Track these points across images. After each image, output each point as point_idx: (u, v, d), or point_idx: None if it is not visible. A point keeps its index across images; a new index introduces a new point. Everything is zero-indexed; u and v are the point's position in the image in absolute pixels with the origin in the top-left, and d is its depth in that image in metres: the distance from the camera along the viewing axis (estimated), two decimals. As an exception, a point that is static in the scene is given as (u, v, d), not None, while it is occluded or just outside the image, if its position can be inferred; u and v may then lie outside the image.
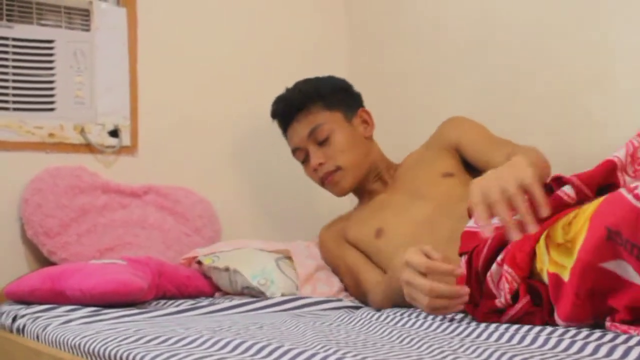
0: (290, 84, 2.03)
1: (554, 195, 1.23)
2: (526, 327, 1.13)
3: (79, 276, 1.67)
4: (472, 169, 1.79)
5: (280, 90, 2.03)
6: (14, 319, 1.61)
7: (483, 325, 1.19)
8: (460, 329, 1.20)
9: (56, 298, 1.68)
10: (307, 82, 2.00)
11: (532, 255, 1.17)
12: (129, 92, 2.22)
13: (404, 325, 1.32)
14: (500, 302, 1.22)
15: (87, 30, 2.17)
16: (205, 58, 2.38)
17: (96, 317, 1.52)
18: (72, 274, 1.69)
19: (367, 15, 2.56)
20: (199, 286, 1.93)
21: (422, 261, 1.26)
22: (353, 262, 1.83)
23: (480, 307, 1.26)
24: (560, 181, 1.27)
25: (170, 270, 1.90)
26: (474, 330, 1.18)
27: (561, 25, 1.92)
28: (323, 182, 1.93)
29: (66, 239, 2.00)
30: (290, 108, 1.95)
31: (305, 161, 1.96)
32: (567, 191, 1.23)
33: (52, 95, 2.11)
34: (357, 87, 2.04)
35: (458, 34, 2.22)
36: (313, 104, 1.92)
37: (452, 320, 1.27)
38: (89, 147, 2.15)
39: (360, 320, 1.41)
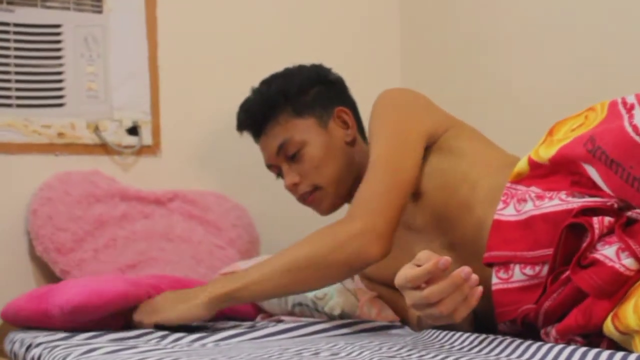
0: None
1: (608, 269, 1.12)
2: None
3: (62, 291, 1.62)
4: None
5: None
6: (28, 348, 1.55)
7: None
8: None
9: (41, 319, 1.62)
10: (272, 81, 1.84)
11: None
12: (149, 83, 2.14)
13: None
14: (621, 265, 1.11)
15: (99, 12, 2.09)
16: (236, 42, 2.30)
17: (122, 345, 1.42)
18: (57, 290, 1.63)
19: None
20: (236, 307, 1.80)
21: (407, 277, 1.20)
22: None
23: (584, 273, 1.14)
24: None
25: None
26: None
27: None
28: (304, 202, 1.80)
29: (81, 255, 1.93)
30: (254, 120, 1.81)
31: (281, 176, 1.82)
32: (627, 265, 1.11)
33: (60, 89, 2.04)
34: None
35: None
36: (280, 111, 1.77)
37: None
38: (104, 148, 2.09)
39: (430, 340, 1.33)
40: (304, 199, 1.79)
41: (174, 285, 1.74)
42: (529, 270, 1.23)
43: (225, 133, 2.22)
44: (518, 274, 1.23)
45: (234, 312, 1.79)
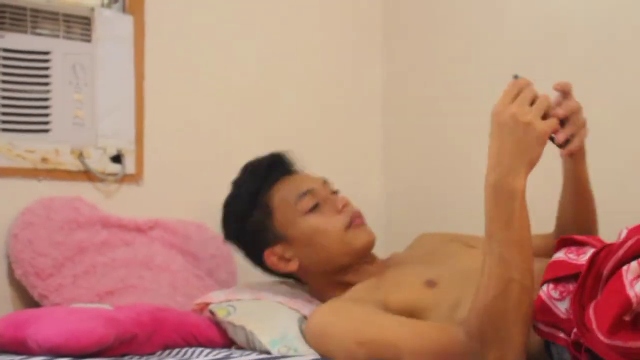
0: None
1: None
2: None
3: (42, 324, 1.61)
4: None
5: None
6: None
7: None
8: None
9: (19, 348, 1.60)
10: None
11: None
12: (134, 112, 2.15)
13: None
14: (634, 292, 1.13)
15: (88, 40, 2.10)
16: (222, 74, 2.32)
17: None
18: (37, 320, 1.63)
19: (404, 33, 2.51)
20: (210, 337, 1.82)
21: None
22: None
23: (599, 304, 1.18)
24: None
25: (176, 318, 1.80)
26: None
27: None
28: (355, 221, 1.78)
29: (60, 280, 1.92)
30: None
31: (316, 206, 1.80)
32: None
33: (46, 115, 2.04)
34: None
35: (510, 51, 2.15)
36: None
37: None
38: (87, 175, 2.09)
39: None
40: (357, 216, 1.78)
41: (154, 316, 1.74)
42: None
43: (208, 164, 2.27)
44: None
45: (209, 343, 1.80)
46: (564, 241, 1.46)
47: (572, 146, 1.44)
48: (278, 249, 1.78)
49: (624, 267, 1.18)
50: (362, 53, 2.59)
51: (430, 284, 1.62)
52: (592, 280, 1.25)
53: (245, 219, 1.79)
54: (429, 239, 1.94)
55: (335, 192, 1.83)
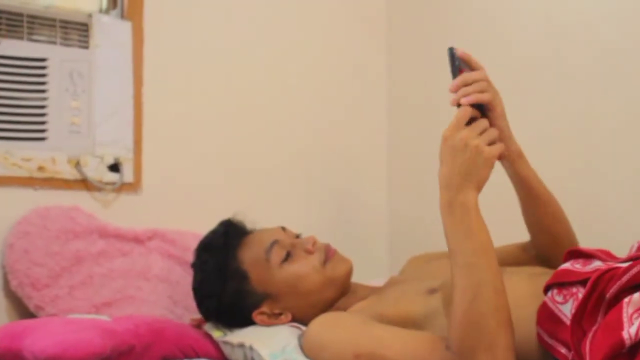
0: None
1: None
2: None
3: (38, 334, 1.59)
4: None
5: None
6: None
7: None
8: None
9: (14, 359, 1.60)
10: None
11: None
12: (132, 120, 2.14)
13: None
14: (628, 334, 1.13)
15: (86, 47, 2.09)
16: (222, 81, 2.31)
17: None
18: (33, 331, 1.61)
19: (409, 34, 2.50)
20: (210, 352, 1.81)
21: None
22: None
23: (596, 338, 1.18)
24: None
25: (174, 330, 1.79)
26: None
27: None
28: (327, 255, 1.78)
29: (56, 291, 1.91)
30: None
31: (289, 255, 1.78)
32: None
33: (43, 123, 2.03)
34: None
35: (518, 53, 2.14)
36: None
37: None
38: (85, 184, 2.07)
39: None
40: (329, 249, 1.79)
41: (152, 328, 1.74)
42: None
43: (207, 173, 2.26)
44: None
45: (208, 357, 1.79)
46: (571, 253, 1.48)
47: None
48: (265, 308, 1.77)
49: (626, 299, 1.19)
50: (366, 58, 2.58)
51: (432, 291, 1.62)
52: (593, 302, 1.26)
53: (221, 294, 1.77)
54: (420, 259, 1.95)
55: (297, 236, 1.83)
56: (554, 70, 2.05)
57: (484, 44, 2.26)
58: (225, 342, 1.78)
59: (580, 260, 1.43)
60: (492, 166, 1.39)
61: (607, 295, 1.24)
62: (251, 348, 1.71)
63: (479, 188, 1.38)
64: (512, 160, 1.60)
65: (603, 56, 1.93)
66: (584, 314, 1.27)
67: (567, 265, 1.43)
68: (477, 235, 1.35)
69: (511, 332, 1.31)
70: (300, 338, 1.70)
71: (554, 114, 2.05)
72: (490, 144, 1.39)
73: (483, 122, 1.41)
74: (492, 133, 1.41)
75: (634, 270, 1.23)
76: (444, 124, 2.15)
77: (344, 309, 1.75)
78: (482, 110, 1.44)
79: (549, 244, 1.67)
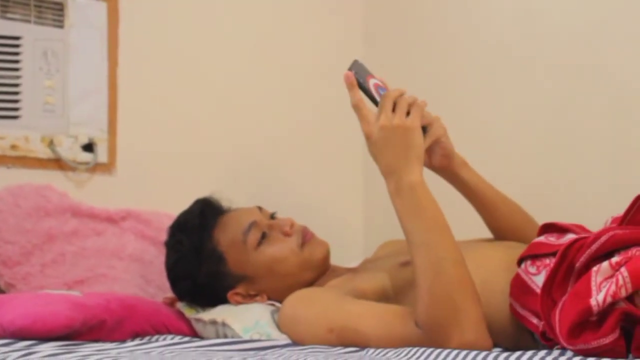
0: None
1: None
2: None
3: (7, 307, 1.60)
4: None
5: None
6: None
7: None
8: None
9: None
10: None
11: None
12: (107, 100, 2.14)
13: None
14: (596, 301, 1.14)
15: (60, 26, 2.09)
16: (199, 62, 2.31)
17: (65, 349, 1.43)
18: (2, 305, 1.62)
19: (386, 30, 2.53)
20: (182, 329, 1.82)
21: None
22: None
23: (565, 307, 1.19)
24: None
25: (147, 307, 1.80)
26: None
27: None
28: (304, 239, 1.79)
29: (28, 269, 1.91)
30: None
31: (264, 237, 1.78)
32: None
33: (16, 101, 2.03)
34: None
35: (493, 43, 2.17)
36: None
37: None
38: (58, 163, 2.08)
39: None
40: (306, 231, 1.79)
41: (124, 304, 1.74)
42: None
43: (183, 154, 2.26)
44: None
45: (181, 334, 1.80)
46: (545, 227, 1.49)
47: (435, 159, 1.59)
48: (240, 289, 1.78)
49: (594, 268, 1.20)
50: (343, 50, 2.58)
51: (405, 264, 1.63)
52: (563, 272, 1.28)
53: (197, 274, 1.78)
54: (395, 242, 1.96)
55: (273, 216, 1.83)
56: (527, 54, 2.07)
57: (460, 34, 2.28)
58: (197, 320, 1.78)
59: (555, 234, 1.45)
60: (420, 133, 1.42)
61: (577, 265, 1.26)
62: (224, 324, 1.72)
63: (419, 161, 1.42)
64: (459, 169, 1.63)
65: (576, 39, 1.96)
66: (553, 283, 1.28)
67: (541, 239, 1.46)
68: (428, 211, 1.39)
69: (477, 303, 1.34)
70: (275, 313, 1.71)
71: (527, 97, 2.07)
72: (408, 114, 1.43)
73: (387, 101, 1.44)
74: (403, 104, 1.43)
75: (603, 239, 1.24)
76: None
77: (320, 286, 1.76)
78: None
79: (514, 239, 1.69)
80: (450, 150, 1.60)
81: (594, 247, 1.25)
